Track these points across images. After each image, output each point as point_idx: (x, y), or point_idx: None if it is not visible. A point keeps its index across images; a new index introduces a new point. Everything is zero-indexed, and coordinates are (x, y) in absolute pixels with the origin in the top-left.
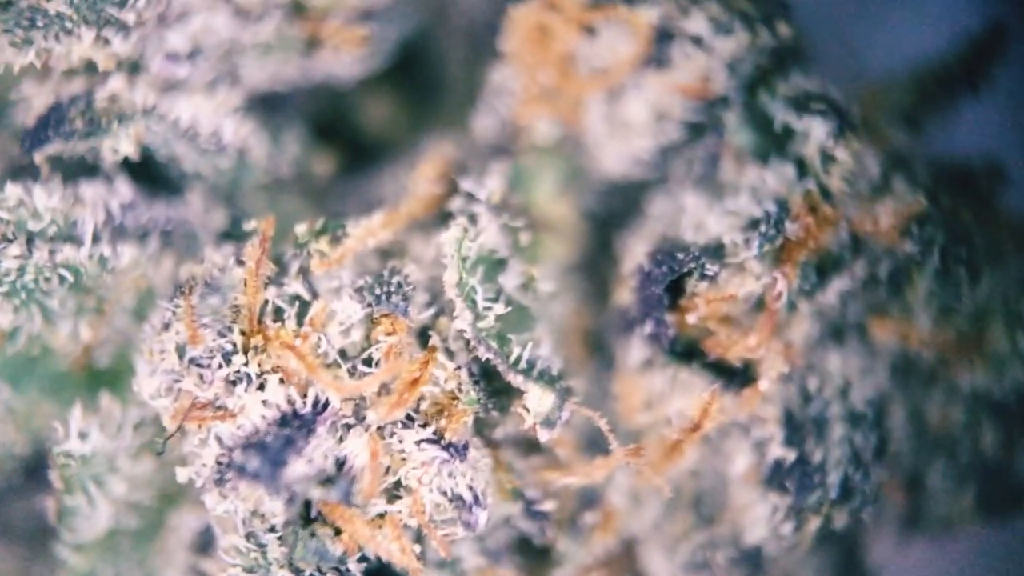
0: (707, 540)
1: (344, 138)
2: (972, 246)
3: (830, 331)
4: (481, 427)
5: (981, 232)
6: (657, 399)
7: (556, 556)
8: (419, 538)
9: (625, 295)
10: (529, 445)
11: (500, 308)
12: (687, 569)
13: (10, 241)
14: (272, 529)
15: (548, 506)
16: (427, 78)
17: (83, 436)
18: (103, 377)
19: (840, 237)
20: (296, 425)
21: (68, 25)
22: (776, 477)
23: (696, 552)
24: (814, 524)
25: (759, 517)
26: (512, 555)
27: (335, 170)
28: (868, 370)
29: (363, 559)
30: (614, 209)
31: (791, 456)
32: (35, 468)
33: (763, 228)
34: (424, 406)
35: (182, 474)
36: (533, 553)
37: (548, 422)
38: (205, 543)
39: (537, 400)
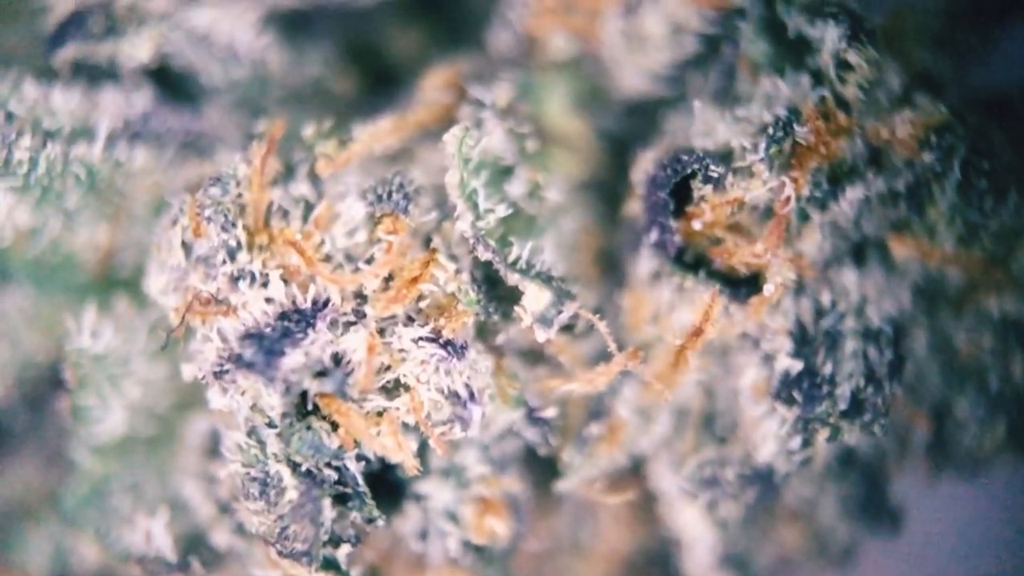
0: (717, 457)
1: (371, 63)
2: (997, 161)
3: (846, 245)
4: (484, 333)
5: (1017, 155)
6: (664, 311)
7: (562, 467)
8: (423, 447)
9: (634, 206)
10: (534, 355)
11: (502, 210)
12: (697, 486)
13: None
14: (271, 424)
15: (550, 413)
16: (455, 6)
17: (95, 335)
18: (120, 281)
19: (854, 146)
20: (296, 319)
21: None
22: (784, 389)
23: (705, 468)
24: (823, 436)
25: (768, 432)
26: (517, 465)
27: (356, 91)
28: (888, 289)
29: (362, 458)
30: (632, 129)
31: (798, 366)
32: (58, 377)
33: (771, 130)
34: (424, 306)
35: (187, 371)
36: (539, 464)
37: (544, 320)
38: (214, 447)
39: (534, 299)
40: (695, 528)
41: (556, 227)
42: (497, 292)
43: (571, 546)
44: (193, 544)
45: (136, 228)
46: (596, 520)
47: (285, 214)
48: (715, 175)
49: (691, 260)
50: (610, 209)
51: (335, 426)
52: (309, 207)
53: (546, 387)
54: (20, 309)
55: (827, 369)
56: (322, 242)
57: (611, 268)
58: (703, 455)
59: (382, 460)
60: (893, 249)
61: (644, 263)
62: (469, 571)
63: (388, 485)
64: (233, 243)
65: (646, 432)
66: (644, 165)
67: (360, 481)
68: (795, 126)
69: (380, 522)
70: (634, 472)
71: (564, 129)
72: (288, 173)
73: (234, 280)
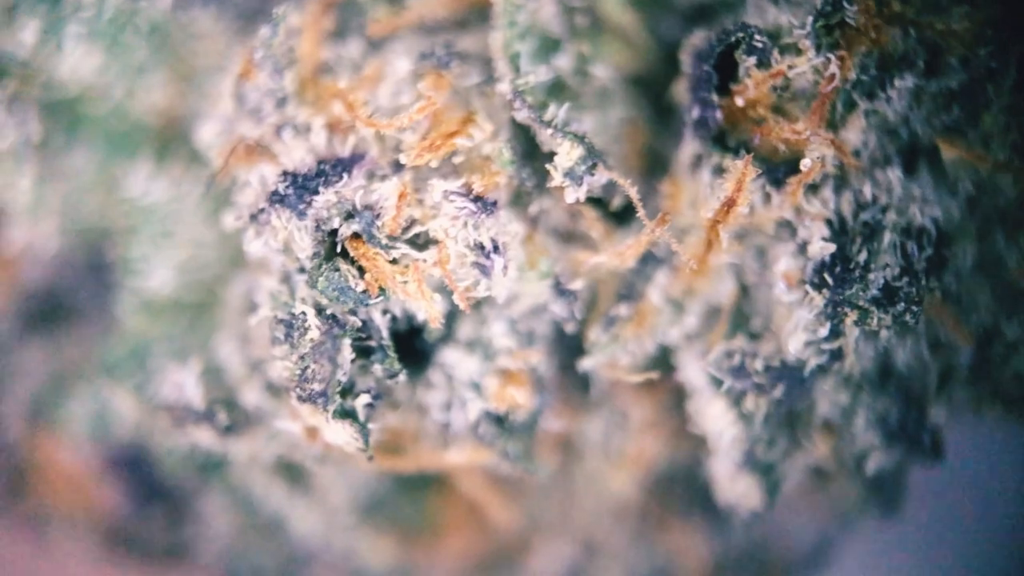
0: (746, 347)
1: None
2: None
3: (895, 145)
4: (519, 202)
5: None
6: (703, 195)
7: (587, 346)
8: (451, 317)
9: (680, 89)
10: (567, 234)
11: (544, 74)
12: (723, 373)
13: None
14: (301, 270)
15: (578, 286)
16: None
17: (147, 187)
18: (181, 146)
19: (907, 37)
20: (333, 165)
21: None
22: (816, 273)
23: (734, 357)
24: (851, 319)
25: (798, 321)
26: (544, 341)
27: None
28: (937, 196)
29: (388, 313)
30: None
31: (832, 249)
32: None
33: (819, 5)
34: (459, 163)
35: (227, 220)
36: (565, 340)
37: (574, 176)
38: (252, 305)
39: (565, 154)
40: (720, 421)
41: (601, 111)
42: (534, 163)
43: (601, 446)
44: (223, 403)
45: (198, 97)
46: (627, 422)
47: (334, 72)
48: (759, 45)
49: (732, 144)
50: (658, 109)
51: (362, 272)
52: (358, 68)
53: (575, 260)
54: (87, 169)
55: (862, 257)
56: (367, 100)
57: (654, 163)
58: (733, 345)
59: (409, 320)
60: (944, 153)
61: (686, 148)
62: (490, 446)
63: (414, 352)
64: (281, 93)
65: (676, 321)
66: (692, 42)
67: (384, 334)
68: (845, 4)
69: (402, 377)
70: (661, 361)
71: (618, 19)
72: (341, 33)
73: (279, 130)
